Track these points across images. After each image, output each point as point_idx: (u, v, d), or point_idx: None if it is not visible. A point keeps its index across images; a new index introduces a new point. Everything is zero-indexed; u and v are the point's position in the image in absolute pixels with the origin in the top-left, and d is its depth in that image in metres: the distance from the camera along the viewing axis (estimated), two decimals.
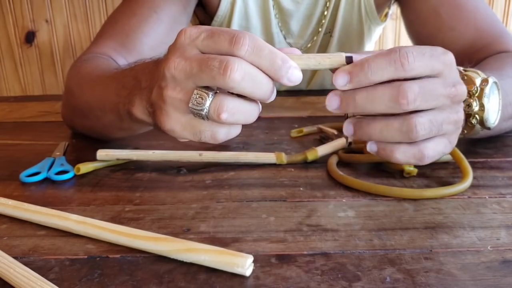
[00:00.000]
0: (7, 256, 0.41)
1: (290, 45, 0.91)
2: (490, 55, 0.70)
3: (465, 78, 0.48)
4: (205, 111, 0.41)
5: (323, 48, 0.92)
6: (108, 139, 0.66)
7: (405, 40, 1.67)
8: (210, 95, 0.41)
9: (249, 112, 0.42)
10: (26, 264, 0.40)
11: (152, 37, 0.76)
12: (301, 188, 0.54)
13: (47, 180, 0.57)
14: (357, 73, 0.41)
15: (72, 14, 1.64)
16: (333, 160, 0.59)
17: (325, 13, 0.87)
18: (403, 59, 0.40)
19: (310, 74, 0.96)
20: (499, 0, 1.63)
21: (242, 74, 0.39)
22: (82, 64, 0.69)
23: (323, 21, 0.88)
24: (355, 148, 0.62)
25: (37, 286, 0.37)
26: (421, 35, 0.80)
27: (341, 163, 0.59)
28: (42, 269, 0.41)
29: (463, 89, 0.43)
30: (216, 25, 0.89)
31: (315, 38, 0.90)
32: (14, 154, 0.66)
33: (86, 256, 0.43)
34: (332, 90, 0.44)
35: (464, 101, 0.48)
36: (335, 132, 0.66)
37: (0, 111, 0.85)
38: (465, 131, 0.50)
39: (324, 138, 0.67)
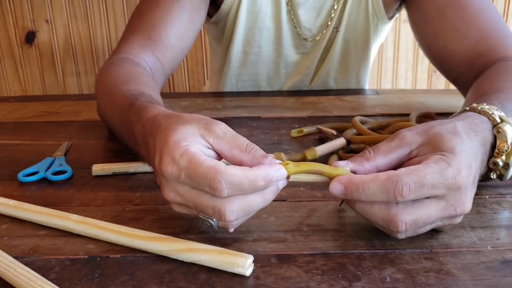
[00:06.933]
0: (8, 256, 0.41)
1: (299, 35, 0.91)
2: (491, 62, 0.69)
3: (500, 131, 0.47)
4: (214, 228, 0.43)
5: (330, 42, 0.92)
6: None
7: (405, 40, 1.68)
8: (215, 220, 0.42)
9: (257, 210, 0.43)
10: (26, 264, 0.40)
11: (177, 26, 0.78)
12: (301, 188, 0.54)
13: (47, 180, 0.57)
14: (351, 192, 0.41)
15: (72, 14, 1.64)
16: (333, 160, 0.59)
17: (335, 7, 0.88)
18: (397, 191, 0.39)
19: (312, 74, 0.96)
20: (499, 0, 1.63)
21: (235, 215, 0.41)
22: (109, 71, 0.70)
23: (333, 15, 0.88)
24: (355, 148, 0.62)
25: (38, 286, 0.37)
26: (425, 34, 0.79)
27: None
28: (42, 269, 0.41)
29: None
30: (225, 8, 0.89)
31: (324, 31, 0.90)
32: (14, 154, 0.66)
33: (86, 256, 0.43)
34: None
35: (489, 160, 0.48)
36: (334, 132, 0.66)
37: (1, 111, 0.85)
38: (480, 179, 0.50)
39: (323, 138, 0.67)
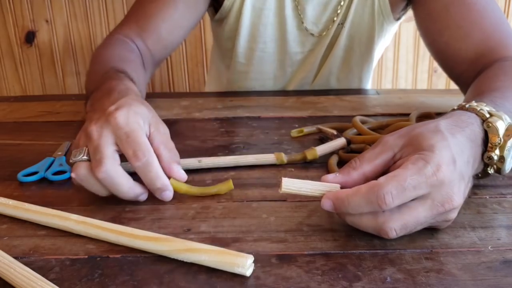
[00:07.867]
0: (8, 256, 0.41)
1: (305, 30, 0.91)
2: (492, 62, 0.69)
3: (490, 126, 0.47)
4: (72, 164, 0.50)
5: (335, 38, 0.92)
6: None
7: (405, 40, 1.67)
8: (81, 157, 0.49)
9: (119, 190, 0.49)
10: (26, 264, 0.40)
11: (169, 22, 0.85)
12: None
13: (47, 180, 0.57)
14: (339, 206, 0.43)
15: (72, 14, 1.64)
16: (333, 160, 0.59)
17: (342, 3, 0.88)
18: (380, 201, 0.40)
19: (315, 71, 0.96)
20: (499, 0, 1.63)
21: (103, 176, 0.48)
22: (103, 50, 0.80)
23: (339, 11, 0.89)
24: (355, 148, 0.62)
25: (38, 286, 0.37)
26: (430, 31, 0.80)
27: (341, 163, 0.59)
28: (42, 269, 0.41)
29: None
30: (228, 4, 0.90)
31: (330, 27, 0.90)
32: (14, 154, 0.66)
33: (86, 256, 0.43)
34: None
35: (483, 155, 0.48)
36: (334, 132, 0.66)
37: (1, 111, 0.85)
38: (480, 175, 0.50)
39: (324, 138, 0.67)
